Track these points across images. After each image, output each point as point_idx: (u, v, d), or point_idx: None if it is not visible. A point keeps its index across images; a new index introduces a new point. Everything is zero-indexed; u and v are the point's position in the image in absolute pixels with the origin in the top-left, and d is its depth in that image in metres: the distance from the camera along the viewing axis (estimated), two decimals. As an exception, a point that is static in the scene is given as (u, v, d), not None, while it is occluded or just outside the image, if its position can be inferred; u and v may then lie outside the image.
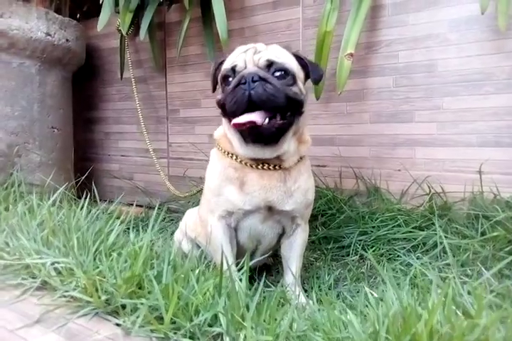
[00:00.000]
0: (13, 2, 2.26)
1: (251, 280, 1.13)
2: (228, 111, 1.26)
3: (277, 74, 1.23)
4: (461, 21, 1.80)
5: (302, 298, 1.38)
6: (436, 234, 1.71)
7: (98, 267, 1.11)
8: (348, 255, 1.83)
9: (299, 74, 1.30)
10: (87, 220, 1.39)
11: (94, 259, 1.16)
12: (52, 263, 1.15)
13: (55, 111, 2.58)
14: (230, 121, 1.29)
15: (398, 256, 1.73)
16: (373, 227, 1.87)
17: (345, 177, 2.11)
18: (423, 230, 1.77)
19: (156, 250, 1.21)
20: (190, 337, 0.89)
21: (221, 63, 1.36)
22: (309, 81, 1.37)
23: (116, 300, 0.99)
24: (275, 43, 2.20)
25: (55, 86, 2.57)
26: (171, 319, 0.92)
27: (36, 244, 1.25)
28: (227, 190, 1.36)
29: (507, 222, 1.59)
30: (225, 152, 1.39)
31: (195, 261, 1.15)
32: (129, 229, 1.37)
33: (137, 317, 0.90)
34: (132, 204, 2.90)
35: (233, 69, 1.26)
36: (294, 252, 1.48)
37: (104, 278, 1.07)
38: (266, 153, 1.30)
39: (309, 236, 1.58)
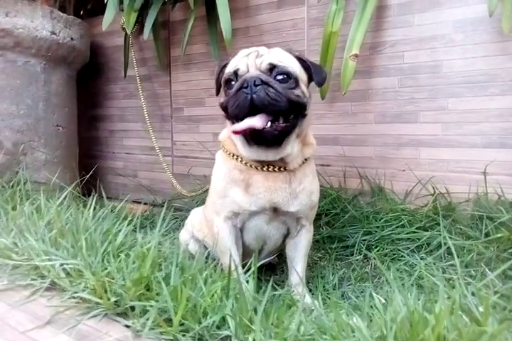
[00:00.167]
0: (18, 1, 2.26)
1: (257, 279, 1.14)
2: (230, 115, 1.27)
3: (279, 77, 1.23)
4: (466, 22, 1.80)
5: (308, 298, 1.39)
6: (440, 234, 1.72)
7: (106, 268, 1.12)
8: (352, 254, 1.84)
9: (302, 76, 1.30)
10: (95, 221, 1.40)
11: (103, 260, 1.17)
12: (61, 264, 1.16)
13: (60, 110, 2.59)
14: (233, 123, 1.30)
15: (402, 256, 1.74)
16: (377, 227, 1.87)
17: (349, 177, 2.12)
18: (427, 230, 1.78)
19: (163, 251, 1.22)
20: (199, 340, 0.91)
21: (224, 66, 1.37)
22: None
23: (126, 302, 1.00)
24: (280, 43, 2.24)
25: (59, 84, 2.58)
26: (180, 321, 0.93)
27: (45, 244, 1.26)
28: (233, 192, 1.37)
29: (511, 224, 1.59)
30: (230, 154, 1.40)
31: (203, 263, 1.16)
32: (136, 227, 1.39)
33: (147, 320, 0.92)
34: (136, 202, 2.93)
35: (235, 73, 1.26)
36: (298, 252, 1.49)
37: (113, 279, 1.08)
38: (269, 155, 1.31)
39: (314, 235, 1.59)
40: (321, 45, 1.94)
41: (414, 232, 1.79)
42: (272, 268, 1.75)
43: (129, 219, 1.43)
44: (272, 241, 1.49)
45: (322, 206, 2.02)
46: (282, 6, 2.25)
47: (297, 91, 1.26)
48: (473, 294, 1.11)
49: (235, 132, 1.22)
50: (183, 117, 2.72)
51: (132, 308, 1.01)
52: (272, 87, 1.19)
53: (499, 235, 1.57)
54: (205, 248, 1.61)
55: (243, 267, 1.39)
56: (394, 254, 1.77)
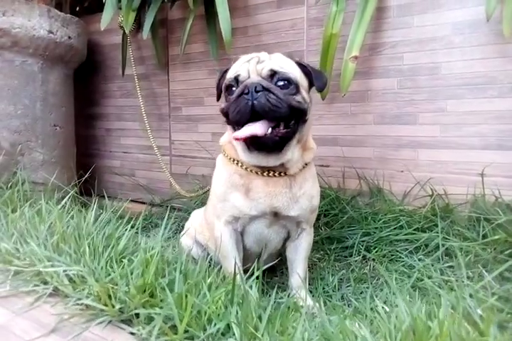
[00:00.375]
0: (15, 0, 2.24)
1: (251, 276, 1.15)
2: (231, 121, 1.28)
3: (280, 83, 1.24)
4: (465, 24, 1.80)
5: (310, 301, 1.41)
6: (438, 235, 1.74)
7: (110, 274, 1.13)
8: (351, 255, 1.85)
9: (303, 82, 1.31)
10: (97, 225, 1.40)
11: (106, 266, 1.18)
12: (64, 270, 1.16)
13: (57, 109, 2.57)
14: (234, 129, 1.31)
15: (400, 257, 1.76)
16: (376, 228, 1.89)
17: (348, 178, 2.13)
18: (425, 232, 1.80)
19: (166, 256, 1.23)
20: (204, 347, 0.91)
21: (225, 72, 1.37)
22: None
23: (130, 309, 1.01)
24: (279, 43, 2.23)
25: (57, 83, 2.56)
26: (185, 328, 0.94)
27: (47, 250, 1.26)
28: (233, 197, 1.38)
29: (508, 225, 1.61)
30: (230, 158, 1.41)
31: (207, 269, 1.16)
32: (137, 228, 1.39)
33: (154, 327, 0.92)
34: (133, 201, 2.93)
35: (236, 79, 1.27)
36: (299, 255, 1.50)
37: (116, 285, 1.08)
38: (270, 160, 1.32)
39: (313, 236, 1.60)
40: (321, 47, 1.94)
41: (413, 233, 1.81)
42: (272, 270, 1.76)
43: (132, 222, 1.43)
44: (272, 244, 1.50)
45: (321, 206, 2.03)
46: (282, 5, 2.24)
47: (298, 97, 1.26)
48: (471, 296, 1.13)
49: (237, 139, 1.22)
50: (182, 116, 2.72)
51: (137, 315, 1.01)
52: (273, 93, 1.19)
53: (496, 237, 1.59)
54: (208, 253, 1.62)
55: (245, 271, 1.41)
56: (392, 255, 1.79)
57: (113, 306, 1.02)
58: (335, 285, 1.62)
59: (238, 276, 1.09)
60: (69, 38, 2.51)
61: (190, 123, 2.68)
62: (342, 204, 2.05)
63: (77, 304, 1.08)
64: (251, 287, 1.09)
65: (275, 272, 1.77)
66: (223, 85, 1.33)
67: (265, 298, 1.13)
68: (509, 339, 0.76)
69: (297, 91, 1.26)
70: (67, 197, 1.57)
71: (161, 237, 1.26)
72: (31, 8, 2.29)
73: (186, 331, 0.95)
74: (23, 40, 2.29)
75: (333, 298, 1.54)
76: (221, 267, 1.45)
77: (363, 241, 1.88)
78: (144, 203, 2.89)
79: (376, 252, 1.81)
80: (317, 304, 1.38)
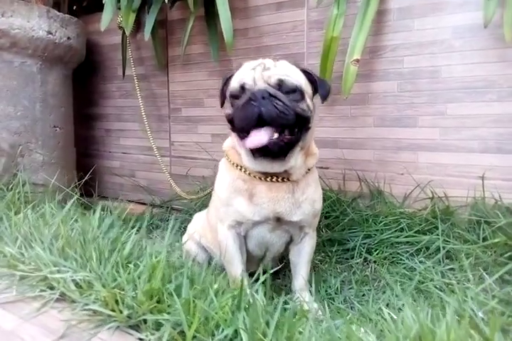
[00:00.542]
0: (14, 1, 2.23)
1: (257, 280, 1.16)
2: (237, 127, 1.28)
3: (286, 91, 1.24)
4: (465, 28, 1.81)
5: (314, 304, 1.42)
6: (438, 238, 1.76)
7: (116, 279, 1.13)
8: (353, 258, 1.87)
9: (307, 90, 1.32)
10: (101, 229, 1.40)
11: (112, 271, 1.18)
12: (71, 276, 1.17)
13: (56, 110, 2.56)
14: (239, 135, 1.31)
15: (401, 259, 1.77)
16: (377, 230, 1.91)
17: (348, 180, 2.15)
18: (426, 234, 1.82)
19: (172, 261, 1.23)
20: (213, 353, 0.92)
21: (229, 78, 1.37)
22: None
23: (138, 315, 1.02)
24: (280, 45, 2.24)
25: (56, 84, 2.55)
26: (193, 334, 0.95)
27: (52, 254, 1.26)
28: (237, 202, 1.39)
29: (508, 228, 1.63)
30: (233, 164, 1.41)
31: (213, 274, 1.17)
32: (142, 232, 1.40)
33: (163, 333, 0.93)
34: (134, 202, 2.94)
35: (242, 87, 1.27)
36: (302, 259, 1.52)
37: (123, 290, 1.09)
38: (274, 167, 1.32)
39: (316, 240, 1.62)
40: (321, 50, 1.94)
41: (413, 236, 1.83)
42: (275, 273, 1.77)
43: (136, 226, 1.44)
44: (274, 248, 1.51)
45: (322, 209, 2.03)
46: (281, 8, 2.24)
47: (303, 105, 1.27)
48: (472, 299, 1.15)
49: (250, 146, 1.22)
50: (181, 118, 2.72)
51: (144, 321, 1.02)
52: (280, 100, 1.20)
53: (496, 240, 1.61)
54: (212, 256, 1.63)
55: (249, 275, 1.42)
56: (393, 258, 1.81)
57: (121, 312, 1.03)
58: (337, 288, 1.64)
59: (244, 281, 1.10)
60: (68, 38, 2.50)
61: (190, 125, 2.69)
62: (343, 206, 2.06)
63: (85, 309, 1.08)
64: (257, 291, 1.10)
65: (277, 274, 1.79)
66: (228, 93, 1.34)
67: (269, 301, 1.14)
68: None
69: (302, 98, 1.27)
70: (72, 201, 1.57)
71: (166, 242, 1.26)
72: (30, 8, 2.28)
73: (194, 337, 0.96)
74: (22, 41, 2.28)
75: (335, 300, 1.55)
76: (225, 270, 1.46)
77: (364, 244, 1.89)
78: (144, 204, 2.89)
79: (377, 254, 1.83)
80: (321, 307, 1.40)
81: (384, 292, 1.56)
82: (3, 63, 2.28)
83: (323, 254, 1.94)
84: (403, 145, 2.00)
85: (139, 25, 2.72)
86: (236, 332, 0.96)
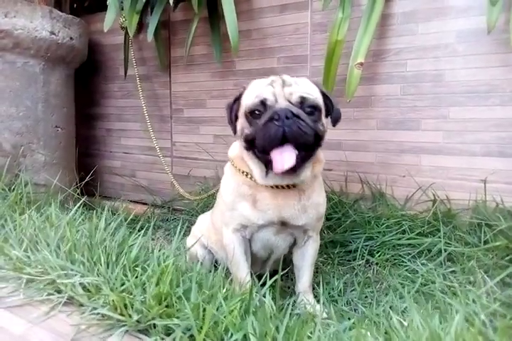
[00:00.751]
0: (17, 1, 2.22)
1: (264, 284, 1.17)
2: (258, 146, 1.26)
3: (308, 110, 1.24)
4: (469, 33, 1.82)
5: (317, 306, 1.43)
6: (440, 240, 1.77)
7: (124, 283, 1.14)
8: (355, 259, 1.88)
9: (323, 110, 1.32)
10: (108, 232, 1.41)
11: (119, 274, 1.19)
12: (79, 279, 1.17)
13: (58, 110, 2.56)
14: (254, 154, 1.30)
15: (403, 261, 1.79)
16: (379, 232, 1.92)
17: (350, 182, 2.16)
18: (427, 236, 1.83)
19: (179, 265, 1.24)
20: (223, 358, 0.93)
21: (238, 99, 1.36)
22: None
23: (147, 319, 1.02)
24: (283, 47, 2.24)
25: (58, 85, 2.55)
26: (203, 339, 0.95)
27: (59, 258, 1.27)
28: (241, 206, 1.39)
29: (509, 232, 1.65)
30: (239, 170, 1.41)
31: (222, 279, 1.18)
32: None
33: (174, 339, 0.94)
34: (135, 202, 2.94)
35: (263, 103, 1.24)
36: (306, 262, 1.53)
37: (131, 294, 1.10)
38: (284, 180, 1.33)
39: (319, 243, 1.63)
40: (325, 53, 1.95)
41: (415, 238, 1.84)
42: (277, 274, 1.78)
43: (141, 228, 1.45)
44: (279, 250, 1.52)
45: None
46: (285, 10, 2.24)
47: (320, 124, 1.27)
48: (473, 301, 1.16)
49: (279, 171, 1.22)
50: (183, 118, 2.72)
51: (154, 325, 1.03)
52: (304, 121, 1.20)
53: (498, 243, 1.63)
54: (216, 258, 1.64)
55: (258, 279, 1.43)
56: (395, 260, 1.82)
57: (130, 316, 1.04)
58: (340, 290, 1.65)
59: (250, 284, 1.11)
60: (71, 38, 2.49)
61: (191, 125, 2.69)
62: (345, 208, 2.07)
63: (93, 314, 1.09)
64: (264, 295, 1.11)
65: (281, 276, 1.79)
66: (246, 109, 1.29)
67: (275, 304, 1.15)
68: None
69: (320, 117, 1.28)
70: (78, 204, 1.57)
71: (174, 245, 1.27)
72: (33, 9, 2.28)
73: (204, 341, 0.97)
74: (25, 42, 2.28)
75: (338, 302, 1.56)
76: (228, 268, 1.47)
77: (366, 246, 1.90)
78: (144, 204, 2.89)
79: (379, 256, 1.84)
80: (325, 310, 1.41)
81: (386, 294, 1.57)
82: (5, 64, 2.28)
83: (325, 256, 1.95)
84: (406, 148, 2.01)
85: (141, 25, 2.72)
86: (245, 336, 0.97)
